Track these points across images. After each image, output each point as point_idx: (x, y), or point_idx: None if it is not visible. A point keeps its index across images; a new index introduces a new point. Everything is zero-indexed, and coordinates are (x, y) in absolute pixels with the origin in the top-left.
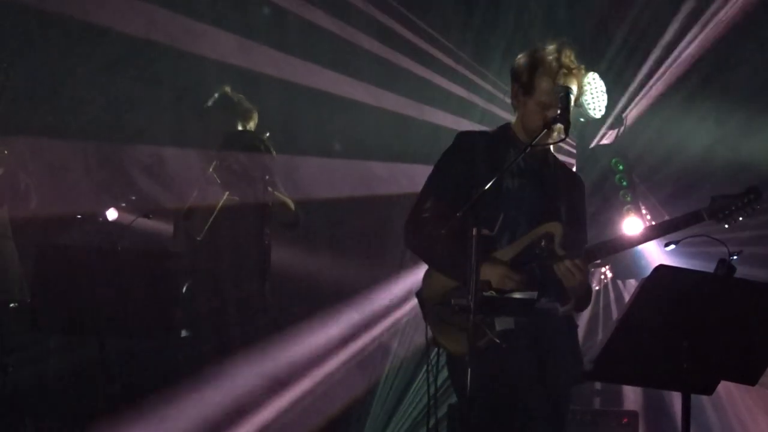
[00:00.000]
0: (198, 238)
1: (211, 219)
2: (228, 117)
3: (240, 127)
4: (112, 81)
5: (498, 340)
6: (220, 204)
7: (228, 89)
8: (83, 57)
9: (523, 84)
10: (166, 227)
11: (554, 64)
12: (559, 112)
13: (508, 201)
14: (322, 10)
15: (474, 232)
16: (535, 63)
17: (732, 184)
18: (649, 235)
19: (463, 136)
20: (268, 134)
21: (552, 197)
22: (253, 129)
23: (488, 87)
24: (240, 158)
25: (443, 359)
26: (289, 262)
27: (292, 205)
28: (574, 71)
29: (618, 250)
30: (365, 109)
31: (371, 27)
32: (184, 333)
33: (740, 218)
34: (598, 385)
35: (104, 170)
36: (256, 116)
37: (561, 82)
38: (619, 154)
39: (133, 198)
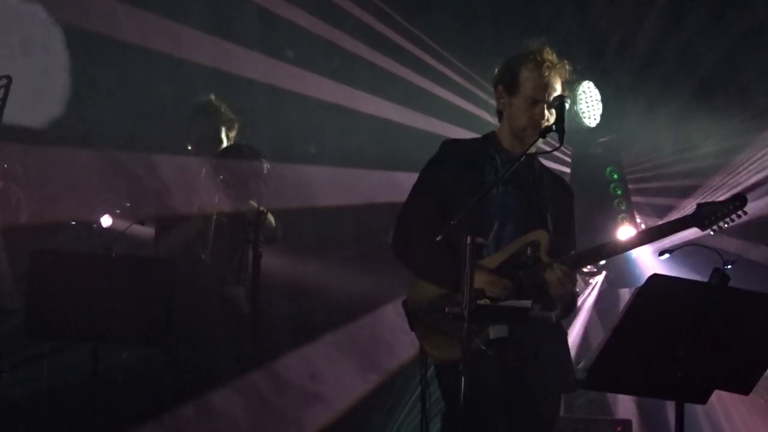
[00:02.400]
0: (207, 243)
1: (212, 226)
2: (212, 124)
3: (223, 136)
4: (108, 88)
5: (484, 347)
6: (214, 212)
7: (213, 96)
8: (76, 64)
9: (507, 84)
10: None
11: (537, 58)
12: (554, 120)
13: (495, 208)
14: (322, 19)
15: (468, 240)
16: (518, 61)
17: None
18: (636, 241)
19: (448, 144)
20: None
21: (538, 204)
22: (234, 138)
23: (486, 97)
24: (232, 168)
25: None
26: (285, 270)
27: (273, 221)
28: (557, 66)
29: (604, 256)
30: (361, 117)
31: (368, 36)
32: None
33: (725, 225)
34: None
35: (99, 177)
36: (237, 126)
37: (546, 75)
38: (615, 163)
39: (128, 205)
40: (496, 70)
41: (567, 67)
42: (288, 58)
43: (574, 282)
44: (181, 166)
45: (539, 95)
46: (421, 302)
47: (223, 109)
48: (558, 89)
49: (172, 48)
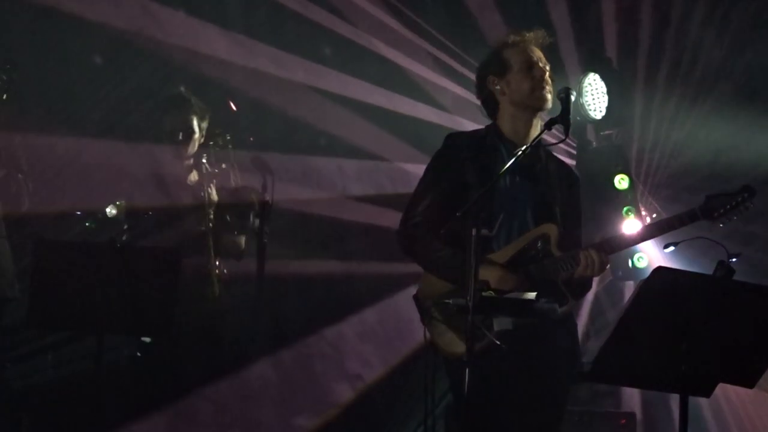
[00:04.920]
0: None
1: (211, 218)
2: (184, 116)
3: (195, 125)
4: (112, 78)
5: (498, 342)
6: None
7: (182, 88)
8: (83, 53)
9: (495, 68)
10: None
11: (515, 35)
12: (560, 112)
13: (502, 200)
14: (331, 12)
15: (474, 232)
16: (499, 45)
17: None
18: (644, 234)
19: (452, 138)
20: (228, 137)
21: (546, 195)
22: (205, 129)
23: None
24: (231, 160)
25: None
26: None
27: (242, 243)
28: (532, 33)
29: (614, 250)
30: (370, 109)
31: (377, 28)
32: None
33: (734, 217)
34: (602, 387)
35: (104, 167)
36: (209, 116)
37: (528, 42)
38: (620, 155)
39: (133, 195)
40: (478, 69)
41: (542, 32)
42: (300, 51)
43: (603, 269)
44: (164, 156)
45: (531, 59)
46: (431, 296)
47: (193, 101)
48: (542, 55)
49: (182, 40)
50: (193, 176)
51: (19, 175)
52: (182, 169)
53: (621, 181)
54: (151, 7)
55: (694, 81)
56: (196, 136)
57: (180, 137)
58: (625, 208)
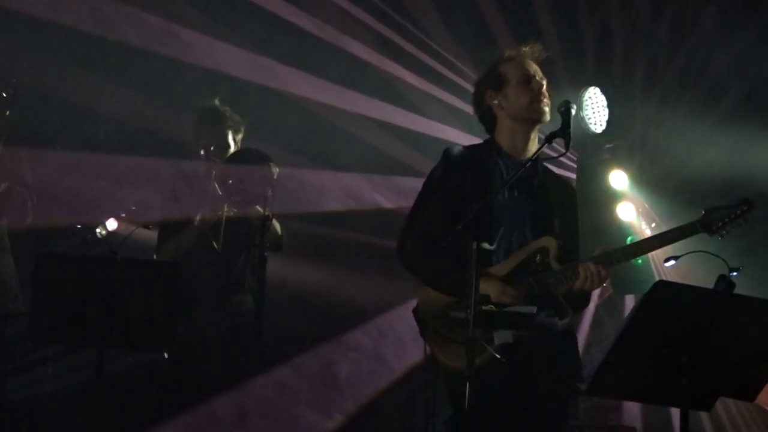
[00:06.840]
0: (217, 248)
1: (221, 232)
2: (218, 129)
3: (230, 140)
4: (113, 92)
5: (498, 356)
6: (223, 218)
7: (217, 101)
8: (83, 68)
9: (493, 84)
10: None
11: (511, 51)
12: (560, 126)
13: (501, 214)
14: (330, 24)
15: (474, 246)
16: (495, 61)
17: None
18: (644, 248)
19: (450, 152)
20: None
21: (545, 209)
22: (240, 141)
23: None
24: (240, 172)
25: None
26: (290, 275)
27: (278, 228)
28: (527, 48)
29: (613, 263)
30: (369, 122)
31: (377, 42)
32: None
33: (733, 230)
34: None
35: (104, 180)
36: (243, 129)
37: (525, 56)
38: (621, 169)
39: (133, 208)
40: (475, 85)
41: (537, 46)
42: (296, 63)
43: (603, 282)
44: (189, 171)
45: (528, 72)
46: (431, 310)
47: (228, 114)
48: (538, 68)
49: (176, 52)
50: (215, 189)
51: (23, 189)
52: (207, 182)
53: (621, 195)
54: (150, 19)
55: (695, 94)
56: (231, 149)
57: (215, 151)
58: (626, 221)
